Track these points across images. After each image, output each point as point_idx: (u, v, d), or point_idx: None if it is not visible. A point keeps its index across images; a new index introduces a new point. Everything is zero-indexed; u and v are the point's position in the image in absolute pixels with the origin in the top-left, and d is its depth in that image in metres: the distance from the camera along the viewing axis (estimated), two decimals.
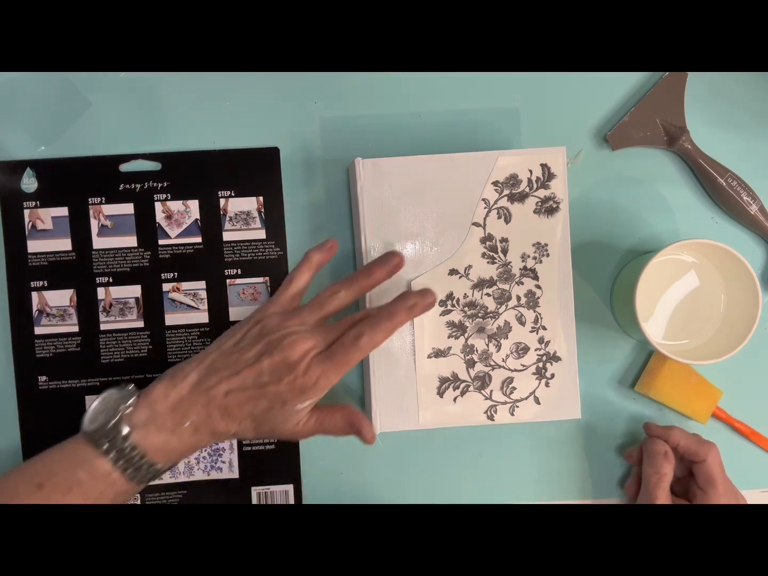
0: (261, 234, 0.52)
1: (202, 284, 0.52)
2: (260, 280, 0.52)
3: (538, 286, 0.50)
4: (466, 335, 0.50)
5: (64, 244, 0.51)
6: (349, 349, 0.44)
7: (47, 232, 0.51)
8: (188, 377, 0.45)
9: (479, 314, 0.50)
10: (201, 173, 0.52)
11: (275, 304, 0.48)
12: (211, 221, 0.52)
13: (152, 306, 0.52)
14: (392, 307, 0.45)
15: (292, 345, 0.44)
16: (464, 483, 0.54)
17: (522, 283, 0.50)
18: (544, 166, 0.50)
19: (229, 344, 0.46)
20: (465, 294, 0.50)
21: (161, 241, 0.52)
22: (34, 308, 0.51)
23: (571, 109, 0.54)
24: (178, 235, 0.52)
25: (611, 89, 0.54)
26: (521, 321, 0.50)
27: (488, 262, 0.50)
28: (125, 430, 0.43)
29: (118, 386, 0.46)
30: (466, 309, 0.50)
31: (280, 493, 0.53)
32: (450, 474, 0.54)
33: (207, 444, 0.46)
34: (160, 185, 0.52)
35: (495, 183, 0.50)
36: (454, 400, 0.50)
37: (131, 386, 0.46)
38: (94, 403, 0.45)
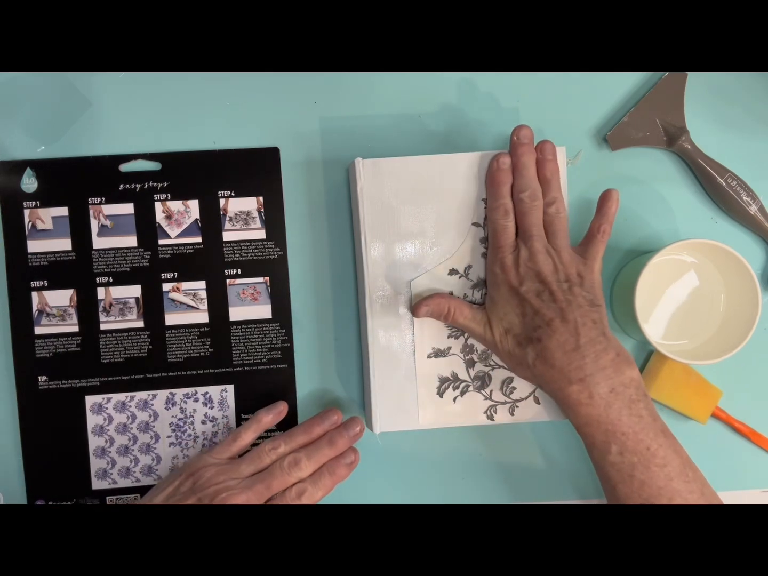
0: (261, 234, 0.52)
1: (202, 284, 0.52)
2: (260, 280, 0.52)
3: None
4: (465, 335, 0.50)
5: (64, 244, 0.51)
6: (291, 504, 0.45)
7: (47, 232, 0.51)
8: None
9: None
10: (201, 173, 0.52)
11: (212, 456, 0.48)
12: (211, 221, 0.52)
13: (152, 306, 0.52)
14: (333, 464, 0.47)
15: (224, 501, 0.44)
16: (464, 483, 0.54)
17: None
18: None
19: (160, 498, 0.46)
20: (465, 294, 0.50)
21: (161, 241, 0.52)
22: (34, 308, 0.51)
23: (571, 109, 0.54)
24: (178, 235, 0.52)
25: (611, 89, 0.54)
26: None
27: None
28: None
29: None
30: None
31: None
32: (450, 474, 0.54)
33: None
34: (160, 185, 0.52)
35: None
36: (454, 400, 0.50)
37: None
38: None
